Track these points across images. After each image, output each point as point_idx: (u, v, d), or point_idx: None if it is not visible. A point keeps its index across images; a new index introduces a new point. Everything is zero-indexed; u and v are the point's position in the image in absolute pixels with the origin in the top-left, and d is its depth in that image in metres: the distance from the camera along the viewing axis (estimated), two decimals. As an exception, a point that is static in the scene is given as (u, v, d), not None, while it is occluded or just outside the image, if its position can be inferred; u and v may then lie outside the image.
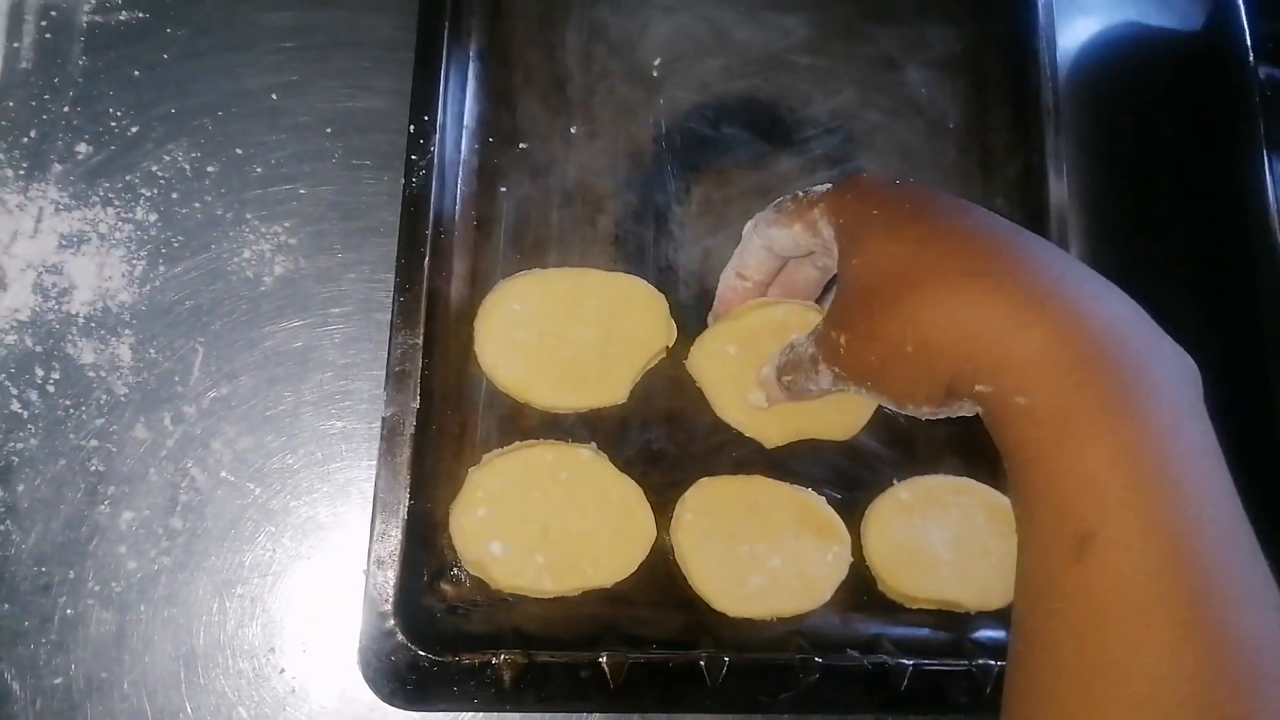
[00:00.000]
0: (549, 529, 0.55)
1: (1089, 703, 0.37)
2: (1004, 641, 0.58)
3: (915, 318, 0.44)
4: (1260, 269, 0.68)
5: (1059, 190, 0.65)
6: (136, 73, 0.58)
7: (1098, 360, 0.40)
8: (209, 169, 0.58)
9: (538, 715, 0.55)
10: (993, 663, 0.57)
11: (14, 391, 0.53)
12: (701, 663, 0.54)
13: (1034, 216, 0.65)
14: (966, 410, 0.46)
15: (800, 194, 0.52)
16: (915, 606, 0.59)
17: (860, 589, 0.59)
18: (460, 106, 0.61)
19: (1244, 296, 0.68)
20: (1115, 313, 0.41)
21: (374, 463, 0.52)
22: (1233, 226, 0.71)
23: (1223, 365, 0.64)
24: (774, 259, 0.56)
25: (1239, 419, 0.67)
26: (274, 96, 0.59)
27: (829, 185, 0.51)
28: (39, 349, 0.54)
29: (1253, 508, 0.40)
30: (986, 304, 0.42)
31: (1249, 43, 0.72)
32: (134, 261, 0.56)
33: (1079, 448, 0.39)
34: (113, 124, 0.57)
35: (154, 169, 0.57)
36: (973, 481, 0.61)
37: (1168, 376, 0.40)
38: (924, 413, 0.47)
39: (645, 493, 0.57)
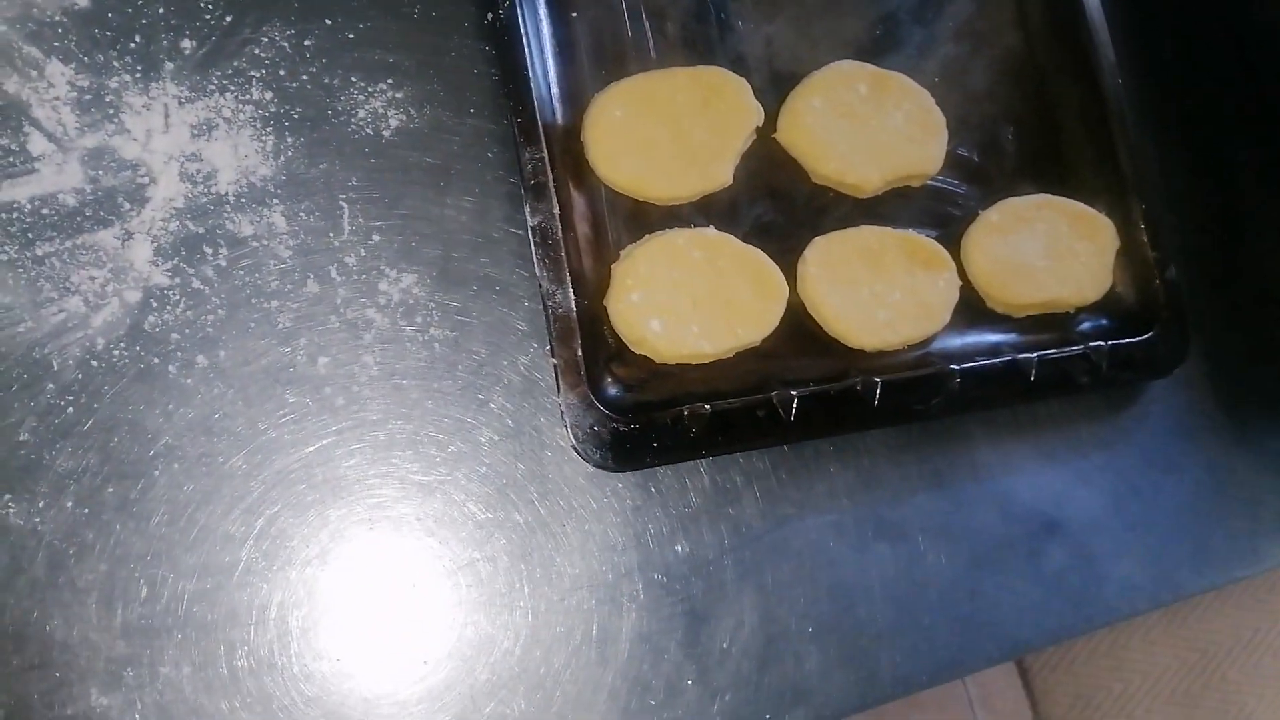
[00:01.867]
0: (697, 300, 0.60)
1: None
2: (1106, 327, 0.65)
3: None
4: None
5: None
6: (220, -32, 0.61)
7: None
8: (306, 43, 0.61)
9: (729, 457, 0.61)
10: (1103, 343, 0.63)
11: (191, 271, 0.57)
12: (858, 387, 0.60)
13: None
14: None
15: None
16: (1022, 314, 0.66)
17: (973, 308, 0.65)
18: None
19: None
20: None
21: (527, 283, 0.57)
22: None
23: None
24: None
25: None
26: (358, -20, 0.62)
27: None
28: (201, 230, 0.57)
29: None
30: None
31: None
32: (263, 138, 0.59)
33: None
34: (208, 17, 0.60)
35: (257, 51, 0.60)
36: (1050, 196, 0.67)
37: None
38: None
39: (770, 256, 0.62)
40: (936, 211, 0.67)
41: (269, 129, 0.60)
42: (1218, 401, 0.69)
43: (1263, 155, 0.75)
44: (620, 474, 0.58)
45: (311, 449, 0.57)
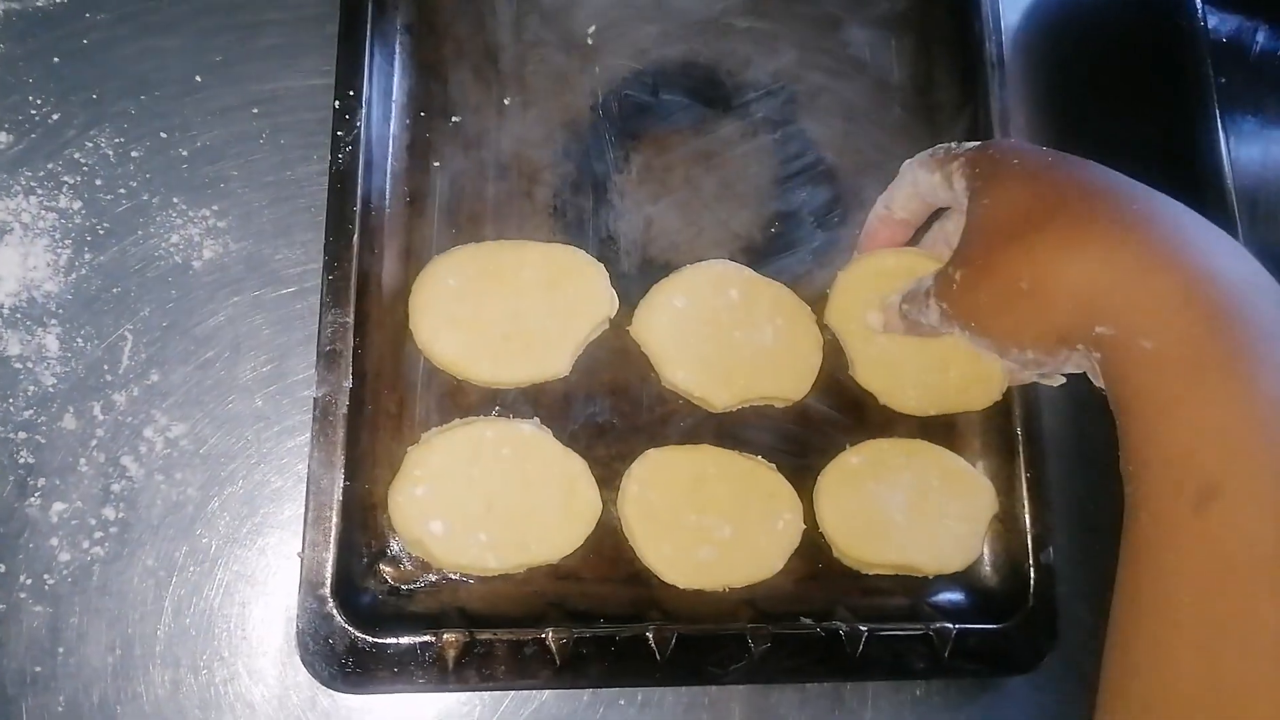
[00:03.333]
0: (491, 506, 0.54)
1: (1208, 657, 0.36)
2: (963, 604, 0.58)
3: (1035, 255, 0.43)
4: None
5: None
6: (56, 59, 0.57)
7: (1232, 309, 0.39)
8: (133, 154, 0.56)
9: (485, 694, 0.54)
10: (950, 626, 0.56)
11: (-63, 387, 0.52)
12: (649, 635, 0.53)
13: (982, 172, 0.64)
14: (1071, 366, 0.45)
15: (954, 145, 0.52)
16: (872, 572, 0.58)
17: (815, 556, 0.58)
18: (388, 81, 0.59)
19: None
20: (1248, 269, 0.41)
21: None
22: (1185, 182, 0.70)
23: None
24: (920, 201, 0.55)
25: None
26: (198, 78, 0.58)
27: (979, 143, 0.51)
28: (-39, 342, 0.53)
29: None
30: (1118, 246, 0.41)
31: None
32: (59, 250, 0.55)
33: (1209, 395, 0.38)
34: (33, 111, 0.56)
35: (77, 156, 0.56)
36: (925, 443, 0.60)
37: None
38: (1027, 359, 0.46)
39: (591, 466, 0.56)
40: (797, 438, 0.60)
41: (67, 241, 0.55)
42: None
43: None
44: (349, 695, 0.52)
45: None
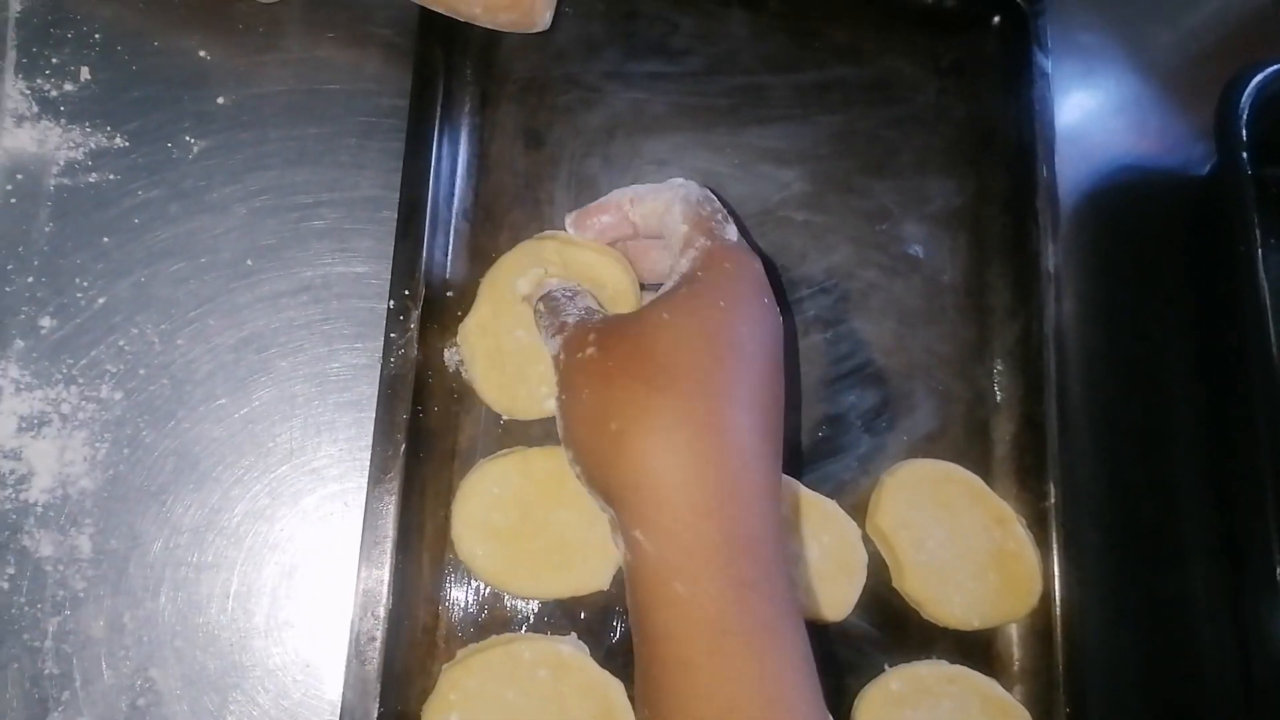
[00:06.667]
0: (526, 733, 0.52)
1: None
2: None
3: (632, 406, 0.43)
4: (1262, 428, 0.66)
5: (1060, 358, 0.63)
6: (106, 239, 0.56)
7: (762, 581, 0.41)
8: (178, 341, 0.55)
9: None
10: None
11: (-35, 587, 0.51)
12: None
13: (1033, 385, 0.63)
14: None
15: (722, 214, 0.51)
16: (908, 808, 0.57)
17: (850, 785, 0.57)
18: (444, 271, 0.59)
19: (1248, 461, 0.66)
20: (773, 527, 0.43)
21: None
22: (1238, 395, 0.69)
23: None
24: (659, 224, 0.53)
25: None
26: (249, 262, 0.57)
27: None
28: (-6, 541, 0.51)
29: None
30: (685, 461, 0.41)
31: (1251, 189, 0.70)
32: (97, 445, 0.53)
33: (726, 669, 0.39)
34: (79, 295, 0.55)
35: (121, 343, 0.55)
36: (966, 669, 0.59)
37: None
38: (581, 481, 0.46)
39: (627, 687, 0.54)
40: (836, 656, 0.59)
41: (106, 435, 0.54)
42: None
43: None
44: None
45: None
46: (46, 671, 0.50)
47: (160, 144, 0.58)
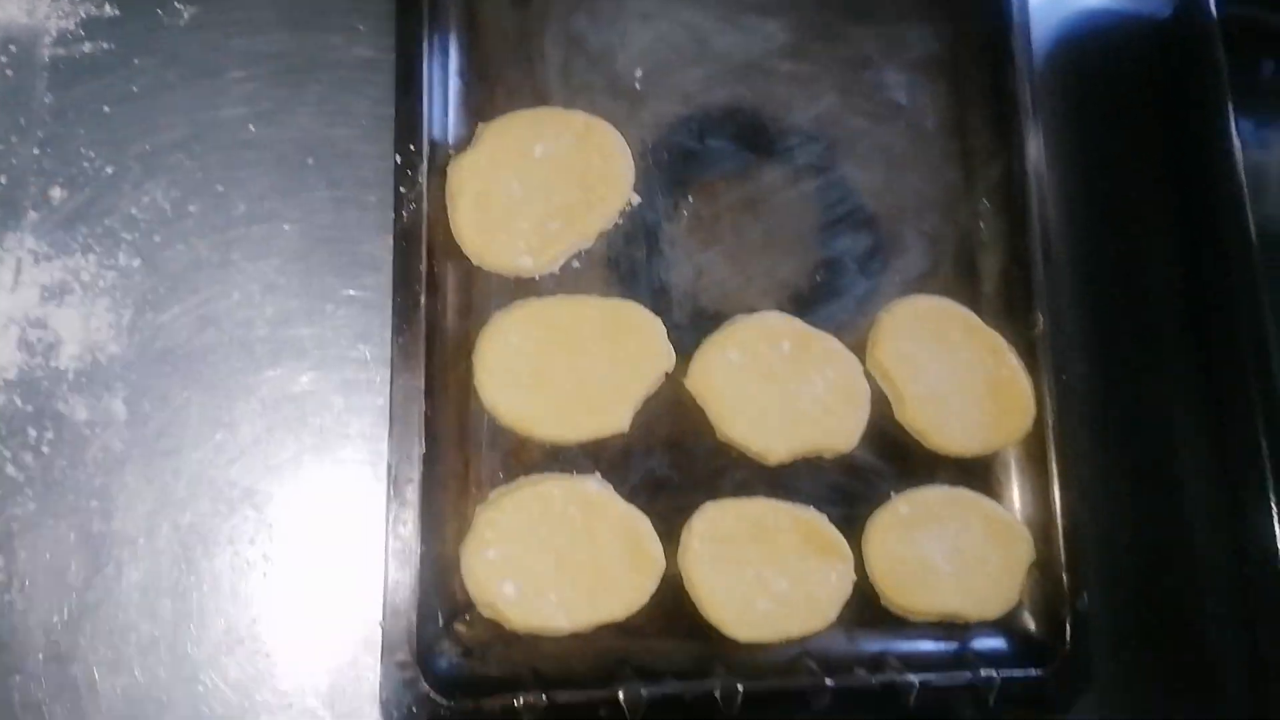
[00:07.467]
0: (560, 565, 0.55)
1: None
2: (1003, 650, 0.60)
3: None
4: (1234, 259, 0.69)
5: (1041, 194, 0.65)
6: (106, 108, 0.56)
7: None
8: (190, 208, 0.56)
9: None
10: (994, 673, 0.58)
11: (7, 454, 0.51)
12: (716, 693, 0.55)
13: (1016, 221, 0.66)
14: None
15: None
16: (918, 619, 0.61)
17: (864, 605, 0.60)
18: (444, 130, 0.59)
19: (1221, 291, 0.70)
20: None
21: (382, 503, 0.52)
22: (1208, 216, 0.72)
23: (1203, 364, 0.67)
24: None
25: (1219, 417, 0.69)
26: (251, 127, 0.57)
27: None
28: (29, 408, 0.52)
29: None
30: None
31: (1217, 27, 0.73)
32: (120, 311, 0.54)
33: None
34: (85, 165, 0.55)
35: (133, 211, 0.55)
36: (967, 491, 0.62)
37: None
38: None
39: (651, 520, 0.57)
40: (845, 487, 0.62)
41: (128, 301, 0.54)
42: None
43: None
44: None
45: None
46: (95, 530, 0.51)
47: (150, 11, 0.57)
